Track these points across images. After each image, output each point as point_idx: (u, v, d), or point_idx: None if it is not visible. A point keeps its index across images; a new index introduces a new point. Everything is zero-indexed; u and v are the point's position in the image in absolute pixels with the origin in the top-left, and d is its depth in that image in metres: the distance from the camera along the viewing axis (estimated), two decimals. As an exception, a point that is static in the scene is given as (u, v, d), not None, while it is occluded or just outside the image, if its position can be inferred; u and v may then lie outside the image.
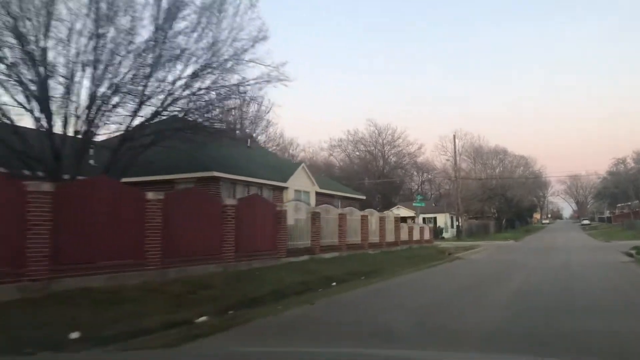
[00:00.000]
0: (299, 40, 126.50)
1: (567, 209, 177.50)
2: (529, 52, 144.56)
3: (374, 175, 73.89)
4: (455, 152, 51.24)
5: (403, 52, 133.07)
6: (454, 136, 51.28)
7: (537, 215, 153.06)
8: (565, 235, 63.44)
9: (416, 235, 33.09)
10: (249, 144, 29.26)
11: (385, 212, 28.66)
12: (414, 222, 41.55)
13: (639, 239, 40.03)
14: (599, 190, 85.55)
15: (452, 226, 59.08)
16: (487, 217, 76.84)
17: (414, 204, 45.85)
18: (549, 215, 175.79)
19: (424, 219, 58.43)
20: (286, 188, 23.18)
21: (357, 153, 76.74)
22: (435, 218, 58.14)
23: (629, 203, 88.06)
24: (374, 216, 26.34)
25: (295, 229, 18.42)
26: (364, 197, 32.68)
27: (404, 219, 56.90)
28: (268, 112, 46.86)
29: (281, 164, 26.41)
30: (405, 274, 17.73)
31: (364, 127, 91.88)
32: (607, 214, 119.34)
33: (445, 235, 53.33)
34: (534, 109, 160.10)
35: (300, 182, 24.48)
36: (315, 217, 19.55)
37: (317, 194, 26.36)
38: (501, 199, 78.54)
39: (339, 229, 21.68)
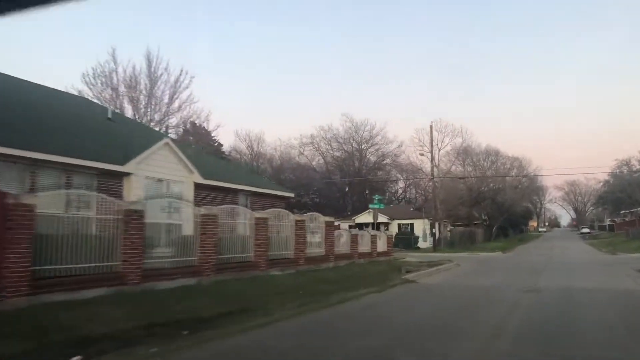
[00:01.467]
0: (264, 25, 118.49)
1: (566, 216, 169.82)
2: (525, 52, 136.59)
3: (348, 177, 65.68)
4: (432, 145, 43.01)
5: (389, 51, 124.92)
6: (431, 127, 43.11)
7: (533, 223, 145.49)
8: (564, 245, 55.13)
9: (364, 246, 24.76)
10: (109, 115, 20.99)
11: (310, 214, 20.22)
12: (375, 229, 33.26)
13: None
14: (600, 194, 77.39)
15: (432, 234, 50.83)
16: (475, 224, 68.66)
17: (370, 206, 37.61)
18: (547, 223, 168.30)
19: (399, 225, 50.43)
20: (127, 174, 14.85)
21: (332, 152, 68.49)
22: (412, 225, 49.85)
23: (634, 209, 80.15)
24: (287, 219, 18.06)
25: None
26: (292, 195, 24.32)
27: (374, 225, 48.36)
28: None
29: (142, 139, 18.01)
30: (273, 322, 9.49)
31: (339, 122, 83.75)
32: (607, 221, 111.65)
33: (421, 244, 45.00)
34: (531, 114, 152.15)
35: (162, 167, 16.19)
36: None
37: (203, 186, 18.04)
38: (492, 204, 70.50)
39: (202, 239, 13.43)
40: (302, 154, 66.34)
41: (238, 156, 63.76)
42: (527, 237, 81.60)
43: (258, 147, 65.99)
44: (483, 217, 78.28)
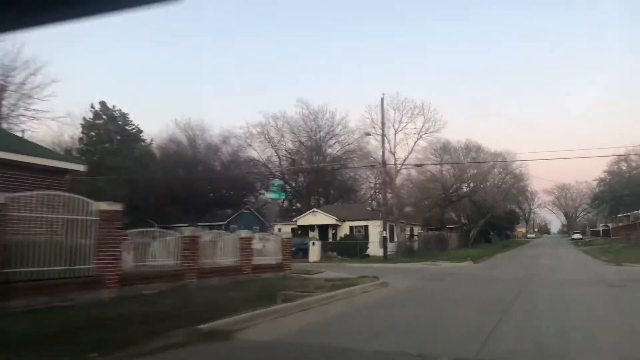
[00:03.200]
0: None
1: (556, 222, 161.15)
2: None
3: (305, 172, 56.09)
4: (382, 123, 33.21)
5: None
6: (382, 100, 33.32)
7: (521, 229, 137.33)
8: (554, 253, 45.69)
9: (225, 257, 15.03)
10: None
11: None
12: (320, 233, 23.70)
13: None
14: (595, 195, 68.40)
15: (392, 239, 41.12)
16: (451, 227, 59.35)
17: (266, 195, 28.05)
18: (536, 229, 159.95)
19: (351, 228, 40.89)
20: None
21: (284, 144, 58.71)
22: (366, 227, 40.23)
23: (635, 212, 71.32)
24: None
25: None
26: (82, 169, 14.23)
27: (322, 227, 39.45)
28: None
29: None
30: None
31: (294, 110, 73.68)
32: (600, 226, 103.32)
33: (374, 251, 35.37)
34: (520, 114, 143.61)
35: None
36: None
37: None
38: (471, 206, 61.29)
39: None
40: (250, 145, 56.54)
41: (175, 147, 53.86)
42: (512, 244, 72.26)
43: (203, 138, 55.96)
44: (463, 220, 69.18)
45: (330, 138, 59.00)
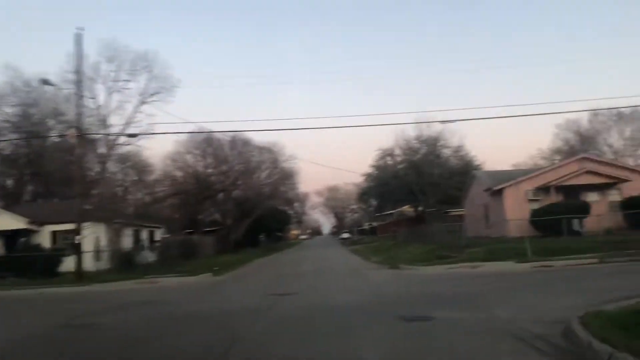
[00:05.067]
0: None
1: (328, 223, 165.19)
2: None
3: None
4: (78, 71, 21.39)
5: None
6: (78, 38, 21.25)
7: (294, 231, 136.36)
8: (322, 255, 39.41)
9: None
10: None
11: None
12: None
13: (446, 258, 21.93)
14: (362, 190, 66.27)
15: (76, 249, 29.71)
16: (209, 230, 50.25)
17: None
18: (309, 231, 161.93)
19: (54, 233, 28.70)
20: None
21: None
22: (77, 232, 28.13)
23: (398, 209, 71.67)
24: None
25: None
26: None
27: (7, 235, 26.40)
28: None
29: None
30: None
31: None
32: (367, 225, 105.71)
33: (67, 266, 23.55)
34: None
35: None
36: None
37: None
38: (235, 206, 52.97)
39: None
40: None
41: None
42: (282, 246, 66.45)
43: None
44: (229, 221, 60.61)
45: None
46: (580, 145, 66.99)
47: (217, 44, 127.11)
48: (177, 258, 31.44)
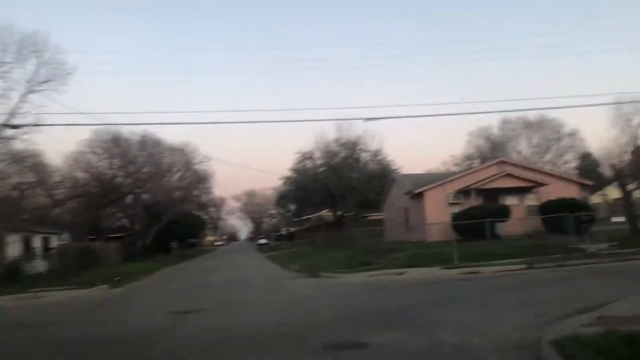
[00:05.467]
0: None
1: (245, 229, 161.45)
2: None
3: None
4: None
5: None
6: None
7: (210, 237, 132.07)
8: (237, 263, 37.20)
9: None
10: None
11: None
12: None
13: (368, 264, 20.92)
14: (281, 193, 64.34)
15: None
16: (116, 237, 46.52)
17: None
18: (225, 237, 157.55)
19: None
20: None
21: None
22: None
23: (316, 214, 70.47)
24: None
25: None
26: None
27: None
28: None
29: None
30: None
31: None
32: (284, 230, 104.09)
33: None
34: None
35: None
36: None
37: None
38: (145, 209, 49.40)
39: None
40: None
41: None
42: (196, 253, 63.02)
43: None
44: (138, 227, 56.71)
45: None
46: (490, 152, 69.15)
47: (123, 29, 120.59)
48: (74, 268, 28.09)
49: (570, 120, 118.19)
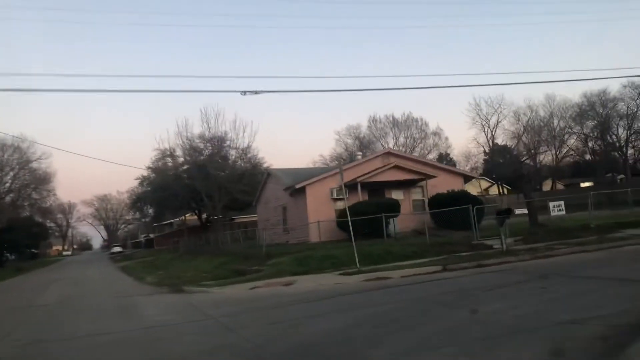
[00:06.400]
0: None
1: (98, 237, 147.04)
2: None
3: None
4: None
5: None
6: None
7: (57, 247, 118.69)
8: (81, 276, 30.97)
9: None
10: None
11: None
12: None
13: (245, 274, 17.72)
14: (137, 195, 57.34)
15: None
16: None
17: None
18: (75, 246, 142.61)
19: None
20: None
21: None
22: None
23: (176, 219, 64.29)
24: None
25: None
26: None
27: None
28: None
29: None
30: None
31: None
32: (142, 237, 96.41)
33: None
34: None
35: None
36: None
37: None
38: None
39: None
40: None
41: None
42: (36, 265, 54.01)
43: None
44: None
45: None
46: (359, 150, 68.80)
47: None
48: None
49: (433, 120, 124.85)
